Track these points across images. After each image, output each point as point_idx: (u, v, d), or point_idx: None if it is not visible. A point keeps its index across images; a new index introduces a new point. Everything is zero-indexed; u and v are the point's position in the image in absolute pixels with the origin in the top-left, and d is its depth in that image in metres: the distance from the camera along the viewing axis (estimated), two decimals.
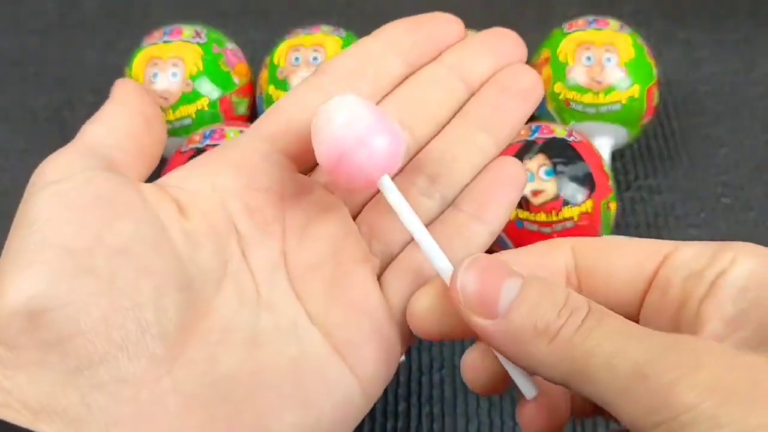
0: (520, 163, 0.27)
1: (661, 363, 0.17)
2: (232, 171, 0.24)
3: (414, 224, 0.23)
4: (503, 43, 0.28)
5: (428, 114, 0.27)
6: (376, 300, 0.24)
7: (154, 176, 0.53)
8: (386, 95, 0.27)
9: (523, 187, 0.27)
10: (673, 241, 0.22)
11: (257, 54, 0.59)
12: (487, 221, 0.25)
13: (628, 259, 0.21)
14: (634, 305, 0.21)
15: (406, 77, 0.28)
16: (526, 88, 0.27)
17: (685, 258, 0.20)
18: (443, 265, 0.23)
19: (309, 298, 0.24)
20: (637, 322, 0.21)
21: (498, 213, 0.25)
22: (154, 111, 0.25)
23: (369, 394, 0.24)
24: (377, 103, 0.27)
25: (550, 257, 0.22)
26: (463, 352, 0.42)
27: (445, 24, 0.28)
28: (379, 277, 0.25)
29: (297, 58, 0.47)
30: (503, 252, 0.24)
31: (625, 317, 0.19)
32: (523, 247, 0.23)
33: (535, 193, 0.40)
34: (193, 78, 0.46)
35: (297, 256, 0.24)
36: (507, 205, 0.26)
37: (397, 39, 0.28)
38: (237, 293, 0.22)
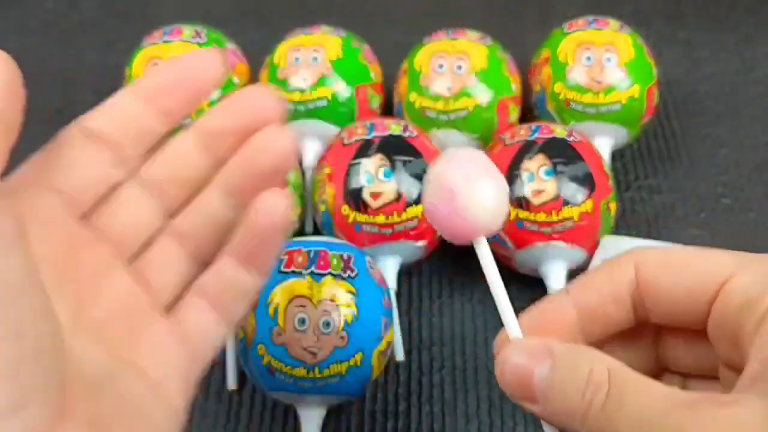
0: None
1: None
2: None
3: (498, 288, 0.28)
4: (255, 104, 0.27)
5: (180, 182, 0.27)
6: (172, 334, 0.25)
7: None
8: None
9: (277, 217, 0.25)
10: (733, 259, 0.22)
11: (257, 54, 0.59)
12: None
13: (689, 279, 0.22)
14: (699, 321, 0.22)
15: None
16: (277, 155, 0.26)
17: (743, 285, 0.21)
18: (516, 332, 0.26)
19: (112, 345, 0.23)
20: (705, 334, 0.22)
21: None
22: (9, 71, 0.22)
23: (180, 419, 0.25)
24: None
25: (616, 276, 0.24)
26: (463, 352, 0.42)
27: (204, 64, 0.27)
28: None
29: (297, 59, 0.47)
30: (572, 284, 0.25)
31: (692, 328, 0.21)
32: (591, 270, 0.25)
33: (536, 193, 0.40)
34: None
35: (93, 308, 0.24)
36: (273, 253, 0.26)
37: (154, 91, 0.27)
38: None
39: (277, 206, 0.24)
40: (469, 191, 0.26)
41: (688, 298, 0.22)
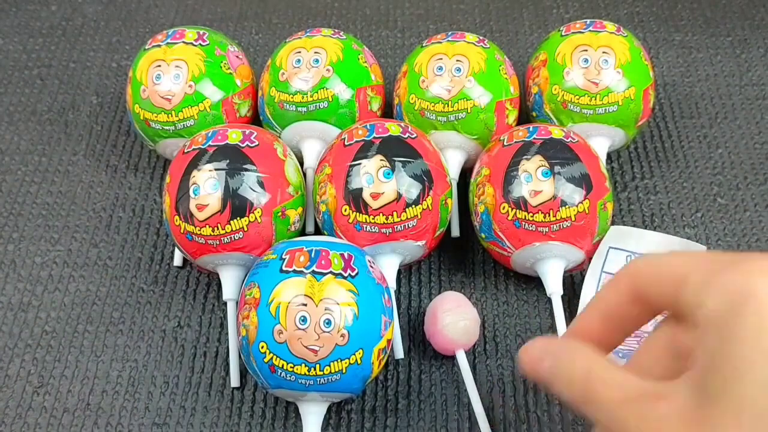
0: None
1: None
2: None
3: (474, 396, 0.39)
4: None
5: None
6: None
7: (157, 175, 0.53)
8: None
9: None
10: (689, 260, 0.24)
11: (259, 56, 0.60)
12: None
13: (665, 283, 0.25)
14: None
15: None
16: None
17: (691, 287, 0.23)
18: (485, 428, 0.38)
19: None
20: None
21: None
22: None
23: None
24: None
25: (614, 294, 0.27)
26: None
27: None
28: None
29: (298, 61, 0.47)
30: (589, 305, 0.28)
31: None
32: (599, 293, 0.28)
33: (533, 193, 0.40)
34: (195, 80, 0.46)
35: None
36: None
37: None
38: None
39: None
40: (447, 318, 0.40)
41: (664, 295, 0.24)
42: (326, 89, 0.46)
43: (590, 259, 0.43)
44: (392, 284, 0.42)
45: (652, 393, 0.22)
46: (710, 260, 0.23)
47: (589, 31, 0.48)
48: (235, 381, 0.41)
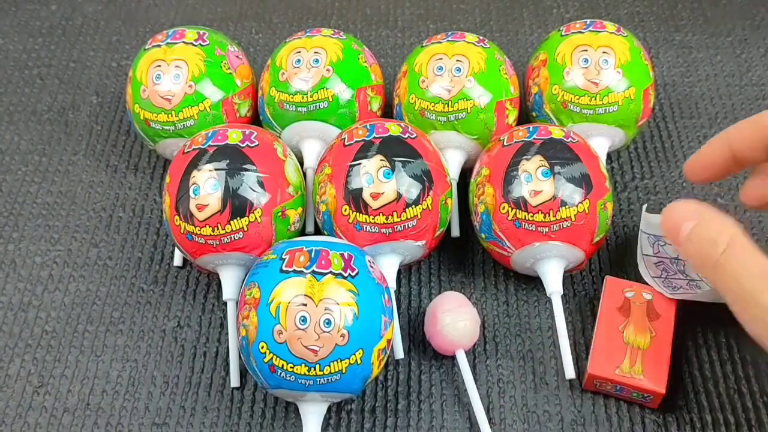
0: None
1: None
2: None
3: (474, 396, 0.39)
4: None
5: None
6: None
7: (157, 175, 0.53)
8: None
9: None
10: None
11: (259, 56, 0.60)
12: None
13: None
14: None
15: None
16: None
17: None
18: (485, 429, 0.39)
19: None
20: None
21: None
22: None
23: None
24: None
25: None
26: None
27: None
28: None
29: (298, 61, 0.47)
30: (727, 130, 0.37)
31: None
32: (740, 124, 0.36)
33: (533, 193, 0.40)
34: (195, 80, 0.46)
35: None
36: None
37: None
38: None
39: None
40: (447, 319, 0.40)
41: None
42: (326, 89, 0.46)
43: (590, 259, 0.43)
44: (392, 284, 0.42)
45: None
46: None
47: (589, 31, 0.48)
48: (235, 381, 0.41)
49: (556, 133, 0.43)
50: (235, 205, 0.40)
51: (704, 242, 0.29)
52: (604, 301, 0.41)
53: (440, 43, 0.48)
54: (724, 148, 0.36)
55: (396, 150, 0.41)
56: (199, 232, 0.40)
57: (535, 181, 0.40)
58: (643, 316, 0.40)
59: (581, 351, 0.42)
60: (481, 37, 0.49)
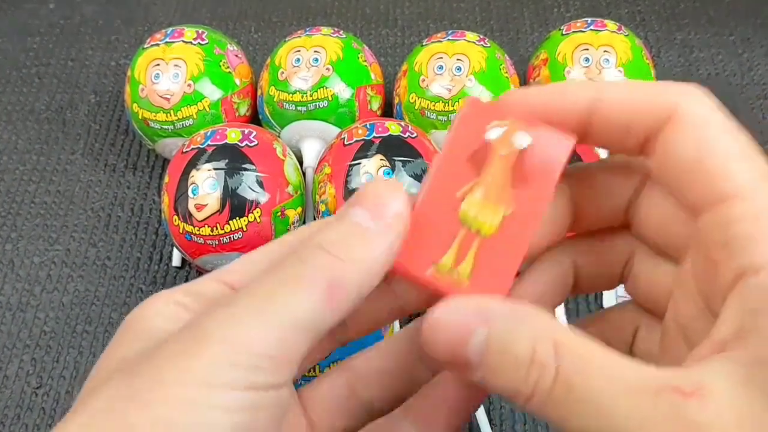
0: None
1: None
2: None
3: None
4: None
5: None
6: None
7: (156, 175, 0.53)
8: None
9: None
10: (674, 89, 0.20)
11: (258, 55, 0.60)
12: None
13: (636, 102, 0.19)
14: (636, 146, 0.20)
15: None
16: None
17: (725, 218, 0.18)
18: None
19: None
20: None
21: None
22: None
23: None
24: None
25: (570, 98, 0.20)
26: None
27: None
28: None
29: (298, 60, 0.47)
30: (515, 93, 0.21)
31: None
32: (547, 86, 0.21)
33: None
34: (194, 79, 0.46)
35: None
36: (456, 428, 0.22)
37: None
38: None
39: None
40: None
41: (637, 117, 0.19)
42: (326, 88, 0.46)
43: None
44: None
45: (673, 385, 0.15)
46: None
47: (590, 30, 0.47)
48: None
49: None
50: (234, 204, 0.40)
51: (515, 367, 0.17)
52: (449, 139, 0.21)
53: (440, 42, 0.48)
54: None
55: (396, 149, 0.41)
56: (198, 232, 0.40)
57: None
58: (503, 177, 0.21)
59: None
60: (481, 36, 0.48)
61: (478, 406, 0.22)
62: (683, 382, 0.15)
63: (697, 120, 0.19)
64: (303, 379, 0.28)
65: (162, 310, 0.19)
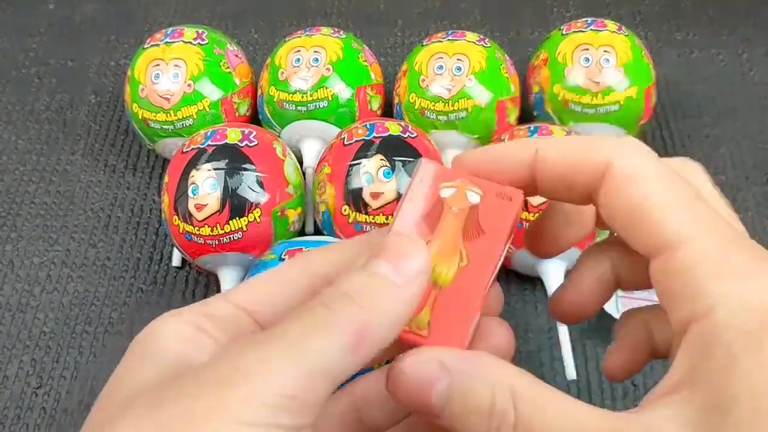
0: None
1: None
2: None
3: None
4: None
5: None
6: None
7: (156, 175, 0.53)
8: None
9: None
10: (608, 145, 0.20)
11: (258, 55, 0.60)
12: None
13: (577, 152, 0.21)
14: (583, 196, 0.21)
15: None
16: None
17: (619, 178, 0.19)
18: None
19: None
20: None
21: None
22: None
23: None
24: None
25: (519, 154, 0.22)
26: None
27: None
28: None
29: (298, 60, 0.47)
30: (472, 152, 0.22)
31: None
32: (497, 144, 0.23)
33: None
34: (194, 79, 0.46)
35: None
36: None
37: None
38: None
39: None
40: None
41: (577, 177, 0.20)
42: (326, 88, 0.46)
43: None
44: None
45: (623, 429, 0.17)
46: (730, 266, 0.18)
47: (591, 29, 0.47)
48: None
49: (558, 132, 0.42)
50: (234, 204, 0.40)
51: (477, 418, 0.18)
52: (404, 199, 0.23)
53: (441, 42, 0.48)
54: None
55: (396, 149, 0.41)
56: (198, 232, 0.40)
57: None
58: (455, 233, 0.23)
59: (583, 352, 0.42)
60: (481, 36, 0.48)
61: None
62: (635, 427, 0.17)
63: (630, 173, 0.19)
64: None
65: (177, 331, 0.19)
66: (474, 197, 0.23)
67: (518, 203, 0.22)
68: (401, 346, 0.21)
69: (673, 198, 0.19)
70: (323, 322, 0.18)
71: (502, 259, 0.22)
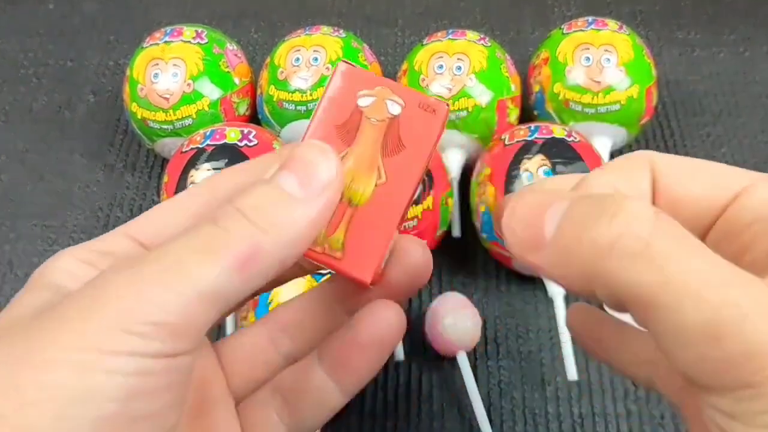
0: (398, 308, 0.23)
1: (745, 324, 0.14)
2: None
3: (475, 397, 0.38)
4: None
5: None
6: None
7: (155, 175, 0.53)
8: None
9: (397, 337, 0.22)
10: (751, 174, 0.19)
11: (258, 54, 0.59)
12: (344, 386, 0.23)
13: (703, 185, 0.19)
14: (700, 234, 0.19)
15: None
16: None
17: (758, 199, 0.18)
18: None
19: None
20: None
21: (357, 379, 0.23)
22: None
23: None
24: None
25: (633, 174, 0.19)
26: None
27: None
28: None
29: (297, 59, 0.47)
30: (580, 176, 0.20)
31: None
32: (602, 167, 0.20)
33: None
34: (193, 78, 0.46)
35: None
36: (368, 370, 0.23)
37: None
38: None
39: (388, 320, 0.22)
40: (448, 320, 0.39)
41: (698, 204, 0.19)
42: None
43: None
44: None
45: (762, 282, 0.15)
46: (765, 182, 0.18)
47: (591, 29, 0.47)
48: None
49: (558, 132, 0.42)
50: None
51: (599, 212, 0.15)
52: (319, 107, 0.21)
53: (441, 41, 0.48)
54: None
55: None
56: None
57: (536, 180, 0.40)
58: (374, 146, 0.21)
59: (584, 352, 0.42)
60: (482, 35, 0.48)
61: (390, 351, 0.23)
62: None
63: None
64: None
65: (66, 267, 0.19)
66: (395, 107, 0.21)
67: (442, 116, 0.20)
68: (315, 266, 0.20)
69: None
70: (207, 244, 0.17)
71: (422, 176, 0.21)
